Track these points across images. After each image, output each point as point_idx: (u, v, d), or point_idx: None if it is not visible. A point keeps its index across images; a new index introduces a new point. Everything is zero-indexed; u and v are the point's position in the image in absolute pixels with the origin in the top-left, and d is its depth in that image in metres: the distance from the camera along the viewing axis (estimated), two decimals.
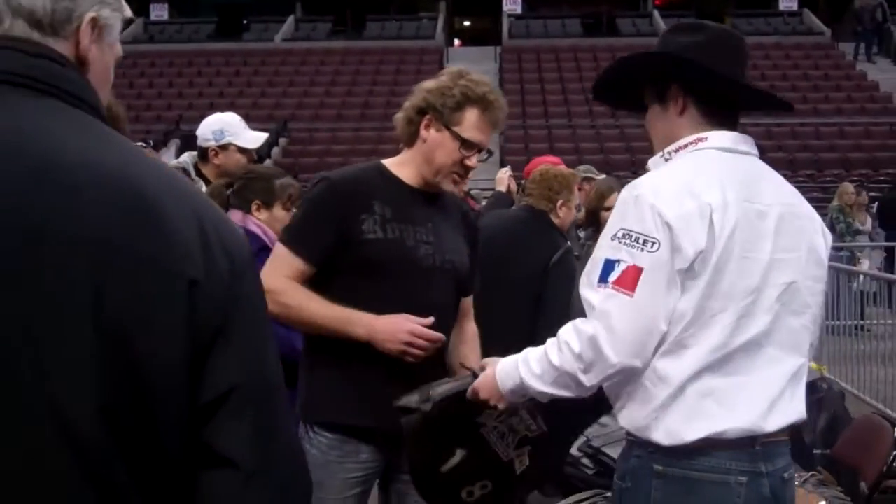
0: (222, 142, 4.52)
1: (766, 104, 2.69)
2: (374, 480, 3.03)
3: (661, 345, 2.18)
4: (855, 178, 17.70)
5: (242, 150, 4.54)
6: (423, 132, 2.94)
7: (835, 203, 13.28)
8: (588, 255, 6.02)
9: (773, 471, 2.24)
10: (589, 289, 2.23)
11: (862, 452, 4.24)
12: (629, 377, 2.21)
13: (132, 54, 26.79)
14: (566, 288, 4.66)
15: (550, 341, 2.27)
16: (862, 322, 9.62)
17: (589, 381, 2.21)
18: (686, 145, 2.33)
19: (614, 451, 3.15)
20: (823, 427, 5.74)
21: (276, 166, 4.07)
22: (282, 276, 2.85)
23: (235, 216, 3.70)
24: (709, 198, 2.18)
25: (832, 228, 12.99)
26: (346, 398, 2.91)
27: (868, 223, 13.41)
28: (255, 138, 4.59)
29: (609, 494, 3.21)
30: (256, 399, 1.34)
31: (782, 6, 32.35)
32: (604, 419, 3.42)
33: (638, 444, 2.25)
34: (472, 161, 2.94)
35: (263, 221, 3.74)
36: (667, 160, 2.35)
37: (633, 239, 2.16)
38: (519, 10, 32.49)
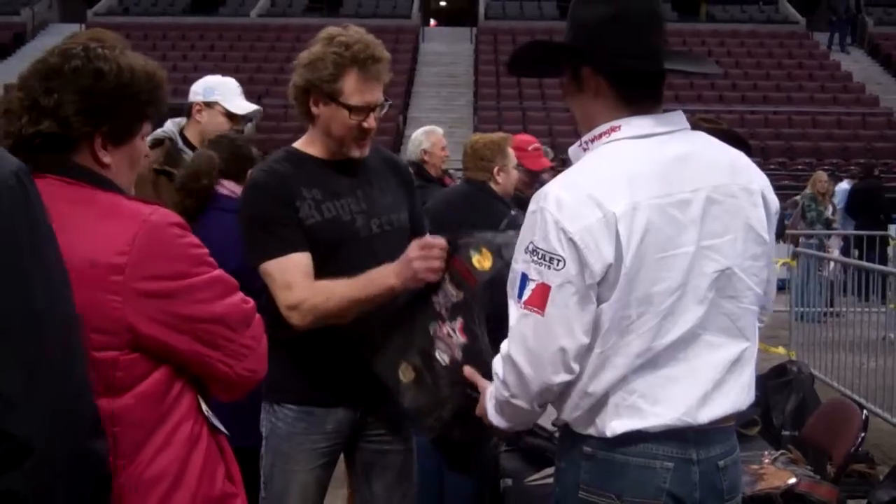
0: (209, 99, 4.38)
1: (691, 67, 2.57)
2: (340, 451, 3.05)
3: (588, 355, 2.14)
4: (826, 167, 17.83)
5: (229, 116, 4.38)
6: (313, 109, 2.91)
7: (807, 191, 13.35)
8: None
9: (707, 458, 2.21)
10: (511, 301, 2.19)
11: (830, 435, 4.28)
12: (563, 389, 2.19)
13: (106, 26, 26.33)
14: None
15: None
16: (831, 309, 9.71)
17: (524, 403, 2.20)
18: (600, 135, 2.22)
19: None
20: (792, 409, 5.81)
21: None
22: (292, 286, 2.79)
23: (231, 186, 3.68)
24: (614, 206, 2.08)
25: (803, 216, 13.10)
26: (307, 376, 2.92)
27: (829, 211, 13.49)
28: (243, 106, 4.43)
29: None
30: (11, 330, 1.49)
31: None
32: None
33: (571, 429, 2.24)
34: (370, 122, 2.90)
35: None
36: (585, 150, 2.26)
37: (539, 256, 2.11)
38: None
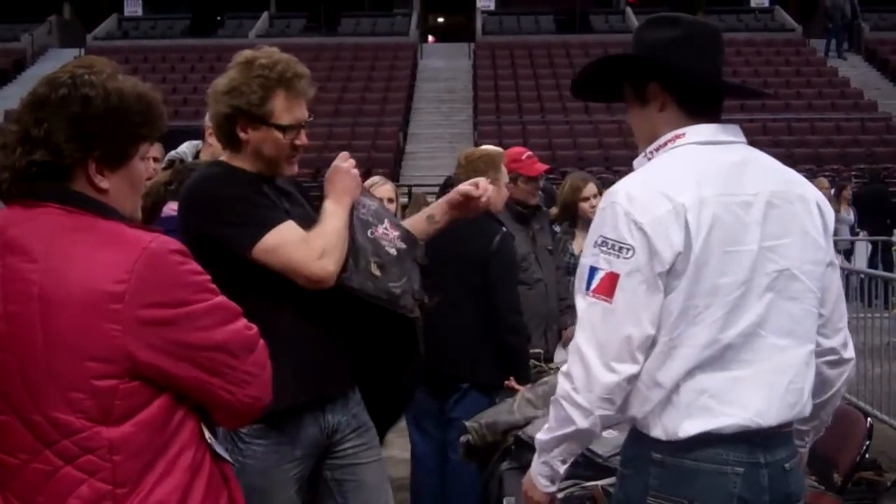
0: None
1: (745, 94, 2.75)
2: (306, 475, 3.01)
3: (652, 347, 2.20)
4: (826, 173, 17.83)
5: None
6: (241, 135, 2.88)
7: None
8: (563, 249, 6.07)
9: (773, 461, 2.26)
10: (579, 296, 2.27)
11: (835, 443, 4.25)
12: (629, 385, 2.22)
13: (106, 50, 26.61)
14: (511, 274, 4.66)
15: None
16: None
17: (585, 399, 2.21)
18: (665, 143, 2.34)
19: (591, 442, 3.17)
20: None
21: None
22: (307, 238, 2.81)
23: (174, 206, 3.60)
24: (682, 198, 2.19)
25: None
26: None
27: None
28: None
29: (587, 485, 3.24)
30: None
31: (754, 3, 32.48)
32: None
33: (639, 434, 2.27)
34: (302, 139, 2.93)
35: None
36: (649, 159, 2.36)
37: (609, 246, 2.20)
38: (492, 7, 32.45)
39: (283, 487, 2.93)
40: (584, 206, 5.91)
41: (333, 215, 2.89)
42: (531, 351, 4.60)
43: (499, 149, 5.13)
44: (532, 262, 5.18)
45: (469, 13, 32.81)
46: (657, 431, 2.23)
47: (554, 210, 6.28)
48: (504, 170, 4.81)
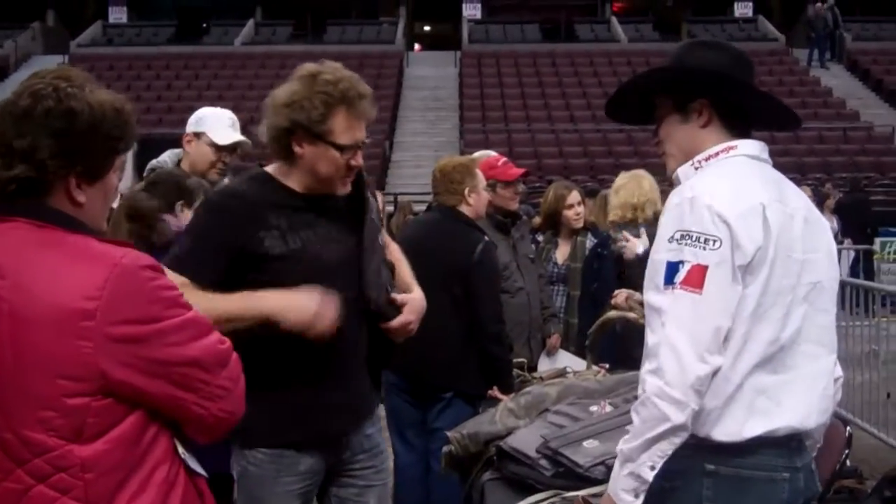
0: (198, 129, 4.42)
1: (782, 118, 2.71)
2: (315, 491, 3.01)
3: (727, 342, 2.24)
4: (810, 182, 17.90)
5: (216, 147, 4.41)
6: (296, 149, 2.83)
7: None
8: (546, 257, 6.08)
9: (804, 465, 2.36)
10: (655, 292, 2.28)
11: (816, 451, 4.28)
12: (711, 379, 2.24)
13: (90, 57, 26.55)
14: (493, 284, 4.67)
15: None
16: None
17: (680, 392, 2.19)
18: (717, 153, 2.43)
19: (572, 452, 3.17)
20: None
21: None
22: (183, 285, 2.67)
23: (171, 220, 3.63)
24: (760, 197, 2.29)
25: None
26: (277, 418, 2.85)
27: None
28: (227, 136, 4.44)
29: (568, 495, 3.24)
30: None
31: (738, 13, 32.68)
32: (558, 419, 3.45)
33: (686, 444, 2.27)
34: (358, 159, 2.89)
35: None
36: (696, 168, 2.44)
37: (693, 239, 2.23)
38: (479, 16, 32.53)
39: (280, 500, 2.89)
40: (569, 213, 5.92)
41: (247, 307, 2.71)
42: (514, 360, 4.60)
43: (471, 156, 5.14)
44: (514, 270, 5.19)
45: (455, 22, 32.85)
46: (718, 433, 2.26)
47: (537, 219, 6.30)
48: (480, 176, 4.82)
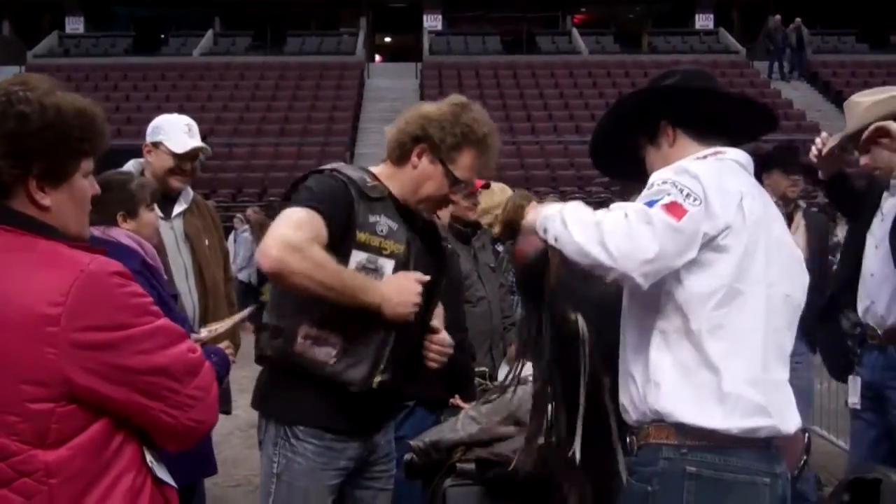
0: (156, 139, 4.41)
1: (754, 116, 2.73)
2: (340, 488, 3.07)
3: (696, 321, 2.27)
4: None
5: (174, 155, 4.39)
6: (414, 159, 2.93)
7: None
8: (507, 267, 6.09)
9: (782, 472, 2.37)
10: (632, 206, 2.30)
11: None
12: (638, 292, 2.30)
13: (47, 68, 26.26)
14: (455, 292, 4.67)
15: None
16: None
17: (617, 251, 2.21)
18: (706, 157, 2.47)
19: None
20: None
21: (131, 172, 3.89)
22: (306, 235, 2.71)
23: (96, 232, 3.32)
24: (739, 186, 2.34)
25: None
26: (331, 402, 2.90)
27: None
28: (183, 143, 4.41)
29: (494, 450, 3.32)
30: None
31: (698, 25, 33.04)
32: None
33: (668, 446, 2.31)
34: (457, 197, 3.00)
35: (132, 231, 3.57)
36: None
37: (679, 189, 2.27)
38: (439, 27, 32.64)
39: (324, 491, 2.96)
40: None
41: (360, 290, 2.77)
42: (476, 369, 4.60)
43: None
44: (475, 280, 5.18)
45: (416, 33, 32.93)
46: (701, 419, 2.26)
47: (496, 229, 6.31)
48: None
